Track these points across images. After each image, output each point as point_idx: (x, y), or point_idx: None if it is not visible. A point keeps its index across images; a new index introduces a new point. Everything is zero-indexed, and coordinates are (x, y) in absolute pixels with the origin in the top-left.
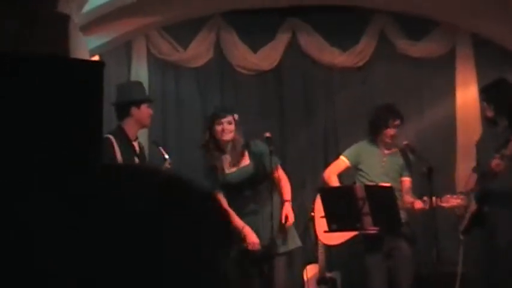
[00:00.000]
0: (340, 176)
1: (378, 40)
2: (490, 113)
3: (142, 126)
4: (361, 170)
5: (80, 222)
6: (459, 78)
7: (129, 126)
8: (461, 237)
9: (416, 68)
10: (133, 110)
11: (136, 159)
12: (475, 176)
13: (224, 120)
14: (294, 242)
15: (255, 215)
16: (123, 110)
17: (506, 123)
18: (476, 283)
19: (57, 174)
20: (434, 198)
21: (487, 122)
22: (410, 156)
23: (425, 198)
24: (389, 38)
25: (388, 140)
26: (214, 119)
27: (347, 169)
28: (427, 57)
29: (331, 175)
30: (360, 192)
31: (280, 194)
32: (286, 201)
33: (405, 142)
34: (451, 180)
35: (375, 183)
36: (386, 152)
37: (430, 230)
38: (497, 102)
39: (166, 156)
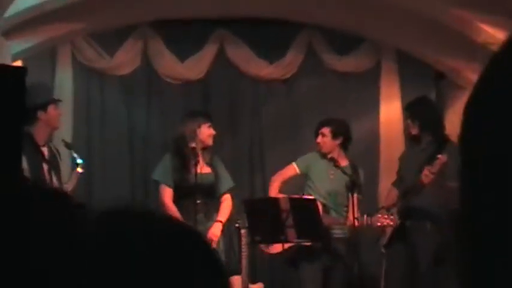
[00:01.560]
0: (289, 184)
1: (305, 53)
2: (414, 130)
3: (53, 128)
4: (309, 180)
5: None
6: (383, 93)
7: (38, 131)
8: (383, 250)
9: (342, 82)
10: (41, 114)
11: (45, 165)
12: (395, 191)
13: (212, 125)
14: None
15: (202, 225)
16: (30, 114)
17: (429, 139)
18: None
19: None
20: (365, 217)
21: (411, 139)
22: (361, 173)
23: (357, 216)
24: (316, 51)
25: (322, 150)
26: (204, 121)
27: (296, 176)
28: (353, 71)
29: (275, 181)
30: (284, 204)
31: (214, 219)
32: (219, 221)
33: (330, 155)
34: (374, 195)
35: (322, 196)
36: (336, 166)
37: (352, 245)
38: (421, 120)
39: (79, 160)
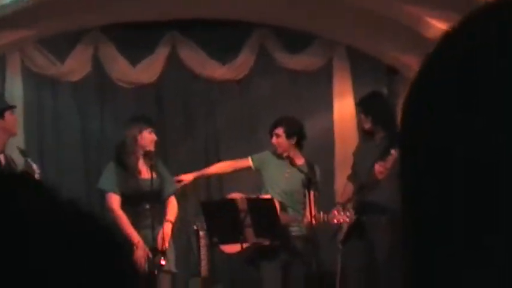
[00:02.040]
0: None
1: (258, 53)
2: (367, 125)
3: (10, 135)
4: (264, 178)
5: None
6: (336, 90)
7: None
8: (340, 247)
9: (295, 80)
10: None
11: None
12: (350, 186)
13: (153, 130)
14: (172, 265)
15: (151, 229)
16: None
17: (382, 135)
18: None
19: None
20: (321, 214)
21: (364, 134)
22: (317, 170)
23: (314, 213)
24: (268, 51)
25: (277, 150)
26: (145, 126)
27: (247, 169)
28: (305, 69)
29: (223, 164)
30: (242, 204)
31: (165, 214)
32: (167, 221)
33: (286, 154)
34: (331, 191)
35: (278, 195)
36: (292, 165)
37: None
38: (374, 114)
39: (35, 167)
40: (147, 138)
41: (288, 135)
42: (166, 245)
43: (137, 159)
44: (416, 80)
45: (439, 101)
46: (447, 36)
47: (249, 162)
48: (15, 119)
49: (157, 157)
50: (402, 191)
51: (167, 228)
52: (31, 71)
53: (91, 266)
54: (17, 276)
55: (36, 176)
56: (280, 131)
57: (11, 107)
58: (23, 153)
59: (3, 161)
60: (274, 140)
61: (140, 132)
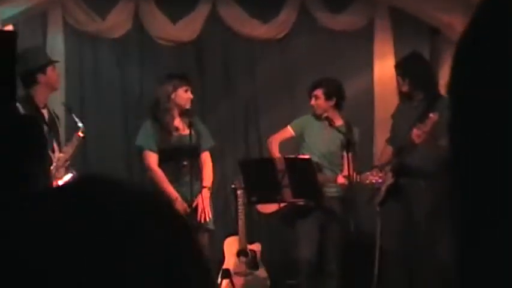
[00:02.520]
0: (284, 146)
1: (298, 12)
2: (404, 88)
3: (53, 90)
4: (304, 141)
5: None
6: (377, 51)
7: (38, 93)
8: (378, 209)
9: (336, 40)
10: (40, 77)
11: (46, 128)
12: (389, 149)
13: (189, 87)
14: (210, 223)
15: (190, 186)
16: (29, 78)
17: (421, 97)
18: (394, 255)
19: None
20: (354, 174)
21: (402, 96)
22: (355, 132)
23: (345, 174)
24: (309, 10)
25: (316, 112)
26: (180, 84)
27: (291, 138)
28: (346, 29)
29: (273, 142)
30: (280, 164)
31: (200, 179)
32: (205, 187)
33: (325, 115)
34: (370, 153)
35: (317, 156)
36: (330, 126)
37: (347, 202)
38: (411, 77)
39: (80, 124)
40: (182, 96)
41: (327, 97)
42: (207, 218)
43: (173, 117)
44: (467, 34)
45: (492, 55)
46: None
47: (290, 132)
48: (58, 74)
49: (195, 114)
50: (451, 146)
51: (205, 195)
52: (72, 28)
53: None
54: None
55: (80, 133)
56: (319, 92)
57: (53, 62)
58: (68, 108)
59: (46, 115)
60: (313, 101)
61: (175, 89)
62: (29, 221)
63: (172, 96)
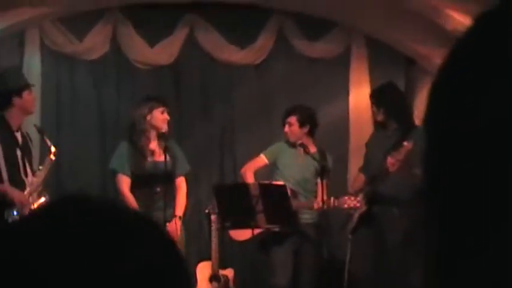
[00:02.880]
0: (257, 173)
1: (276, 39)
2: (379, 117)
3: (28, 113)
4: (277, 168)
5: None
6: (353, 79)
7: (12, 115)
8: (350, 236)
9: (313, 67)
10: (16, 100)
11: (19, 151)
12: (362, 176)
13: (166, 110)
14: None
15: (163, 212)
16: (4, 99)
17: (395, 126)
18: (365, 282)
19: None
20: (332, 199)
21: (377, 125)
22: (329, 158)
23: (324, 198)
24: (287, 36)
25: (290, 139)
26: (156, 106)
27: (265, 166)
28: (323, 57)
29: (247, 171)
30: (254, 189)
31: (173, 206)
32: (176, 216)
33: (299, 142)
34: (344, 180)
35: (291, 183)
36: (305, 153)
37: (321, 228)
38: (386, 106)
39: (52, 147)
40: (158, 117)
41: (301, 124)
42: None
43: (149, 140)
44: (445, 65)
45: (469, 86)
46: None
47: (264, 159)
48: (33, 99)
49: (172, 138)
50: (426, 177)
51: (176, 225)
52: (49, 49)
53: None
54: None
55: (52, 156)
56: (293, 119)
57: (30, 86)
58: (40, 131)
59: (20, 139)
60: (286, 128)
61: (150, 111)
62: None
63: (148, 117)
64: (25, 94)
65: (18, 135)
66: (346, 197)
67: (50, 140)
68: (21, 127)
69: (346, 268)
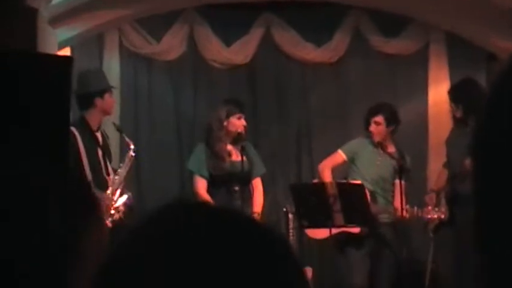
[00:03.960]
0: (333, 171)
1: (352, 36)
2: (458, 114)
3: (107, 114)
4: (355, 165)
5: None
6: (432, 75)
7: (92, 116)
8: (432, 235)
9: (390, 64)
10: (97, 101)
11: (100, 151)
12: (445, 173)
13: (243, 114)
14: None
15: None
16: (86, 100)
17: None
18: (447, 284)
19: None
20: (415, 208)
21: (456, 122)
22: (407, 158)
23: (407, 207)
24: (363, 34)
25: (375, 138)
26: (234, 112)
27: (343, 163)
28: (400, 54)
29: (325, 168)
30: (331, 189)
31: (250, 205)
32: (255, 213)
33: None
34: (423, 178)
35: (368, 182)
36: (382, 152)
37: (400, 230)
38: (465, 103)
39: (132, 145)
40: (235, 123)
41: (388, 123)
42: None
43: (225, 143)
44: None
45: None
46: None
47: (342, 156)
48: (114, 101)
49: (247, 140)
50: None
51: None
52: (128, 50)
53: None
54: None
55: (132, 153)
56: (380, 118)
57: (111, 88)
58: (119, 129)
59: (100, 139)
60: (372, 127)
61: (228, 117)
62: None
63: (225, 123)
64: (107, 96)
65: (99, 135)
66: (430, 208)
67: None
68: (101, 127)
69: (429, 269)
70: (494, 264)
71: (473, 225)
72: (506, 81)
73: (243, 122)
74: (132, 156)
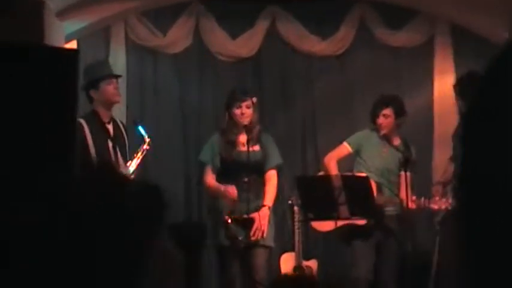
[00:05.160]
0: (338, 162)
1: (358, 29)
2: (464, 108)
3: (111, 104)
4: (360, 157)
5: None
6: (437, 67)
7: (99, 108)
8: (438, 227)
9: (395, 56)
10: (93, 93)
11: (110, 143)
12: (452, 166)
13: (243, 104)
14: (269, 240)
15: (247, 203)
16: (87, 93)
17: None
18: (454, 275)
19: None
20: (422, 199)
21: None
22: (412, 150)
23: (414, 198)
24: (368, 26)
25: (382, 131)
26: (233, 102)
27: (349, 155)
28: (406, 46)
29: (331, 160)
30: (336, 181)
31: (261, 197)
32: (265, 206)
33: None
34: (427, 171)
35: (374, 173)
36: (388, 143)
37: (405, 222)
38: (469, 96)
39: (147, 138)
40: (236, 113)
41: (397, 115)
42: (262, 235)
43: (238, 132)
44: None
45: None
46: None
47: (347, 148)
48: (113, 88)
49: (264, 129)
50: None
51: (264, 213)
52: (134, 43)
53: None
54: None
55: (145, 146)
56: (389, 111)
57: (104, 77)
58: (135, 122)
59: (111, 131)
60: (381, 120)
61: (228, 108)
62: None
63: (229, 114)
64: (102, 85)
65: (110, 126)
66: (437, 198)
67: (133, 131)
68: (114, 117)
69: (435, 260)
70: (478, 259)
71: (456, 218)
72: (497, 67)
73: (242, 110)
74: (145, 149)
